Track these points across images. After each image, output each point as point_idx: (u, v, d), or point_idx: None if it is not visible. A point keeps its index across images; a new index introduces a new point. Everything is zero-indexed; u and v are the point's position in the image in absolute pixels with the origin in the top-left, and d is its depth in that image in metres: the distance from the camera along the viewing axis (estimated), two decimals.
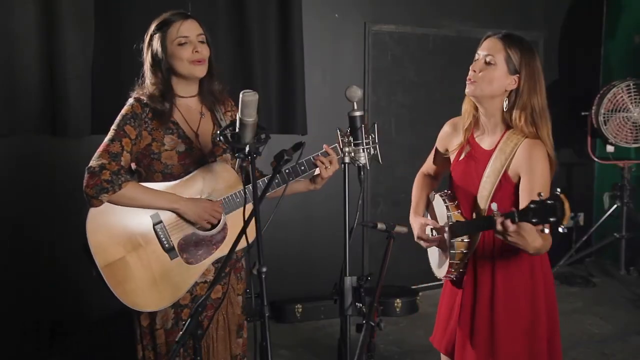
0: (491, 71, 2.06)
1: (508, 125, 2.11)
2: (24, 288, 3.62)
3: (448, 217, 2.17)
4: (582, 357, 3.77)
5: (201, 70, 2.23)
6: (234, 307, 2.37)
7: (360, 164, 1.93)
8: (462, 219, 2.18)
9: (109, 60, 3.70)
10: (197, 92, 2.31)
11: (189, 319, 1.71)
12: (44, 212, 3.62)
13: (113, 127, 2.17)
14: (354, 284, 1.85)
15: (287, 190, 2.18)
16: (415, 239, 2.31)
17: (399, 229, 2.10)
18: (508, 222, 1.79)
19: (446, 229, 2.17)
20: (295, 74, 4.25)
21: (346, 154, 1.94)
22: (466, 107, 2.22)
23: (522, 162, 2.04)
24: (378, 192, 4.76)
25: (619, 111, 5.03)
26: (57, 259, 3.62)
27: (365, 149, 1.93)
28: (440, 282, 2.44)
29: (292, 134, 4.24)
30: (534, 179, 2.01)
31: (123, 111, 2.19)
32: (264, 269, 1.73)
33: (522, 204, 1.96)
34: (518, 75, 2.06)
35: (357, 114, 1.93)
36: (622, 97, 5.01)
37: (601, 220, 5.32)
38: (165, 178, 2.21)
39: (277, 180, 2.19)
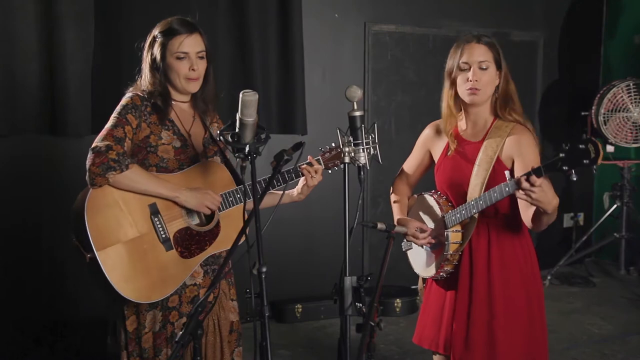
0: (487, 75, 2.18)
1: (494, 116, 2.24)
2: (24, 288, 3.62)
3: (440, 211, 2.24)
4: (582, 357, 3.77)
5: (194, 87, 2.27)
6: (225, 312, 2.36)
7: (360, 164, 1.93)
8: None
9: (109, 60, 3.70)
10: (189, 100, 2.34)
11: (189, 319, 1.71)
12: (44, 212, 3.62)
13: (114, 114, 2.18)
14: (354, 284, 1.85)
15: (271, 202, 2.29)
16: (407, 238, 2.33)
17: (399, 229, 2.11)
18: (534, 178, 1.86)
19: (433, 225, 2.22)
20: (295, 74, 4.25)
21: (346, 154, 1.95)
22: (448, 111, 2.31)
23: (514, 147, 2.15)
24: (378, 192, 4.76)
25: (619, 111, 5.03)
26: (56, 259, 3.62)
27: (365, 149, 1.93)
28: None
29: (292, 134, 4.24)
30: (528, 160, 2.11)
31: (123, 101, 2.21)
32: (264, 269, 1.73)
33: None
34: (500, 70, 2.21)
35: (357, 114, 1.93)
36: (622, 97, 5.01)
37: (601, 220, 5.32)
38: (160, 171, 2.23)
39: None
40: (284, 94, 4.29)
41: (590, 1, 5.60)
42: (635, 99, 4.99)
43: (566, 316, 4.40)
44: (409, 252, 2.45)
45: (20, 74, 3.51)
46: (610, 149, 5.26)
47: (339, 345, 1.85)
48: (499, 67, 2.20)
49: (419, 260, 2.39)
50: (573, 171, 1.80)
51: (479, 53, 2.18)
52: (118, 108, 2.20)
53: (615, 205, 5.24)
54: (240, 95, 1.86)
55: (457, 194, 2.24)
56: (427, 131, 2.44)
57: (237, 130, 1.91)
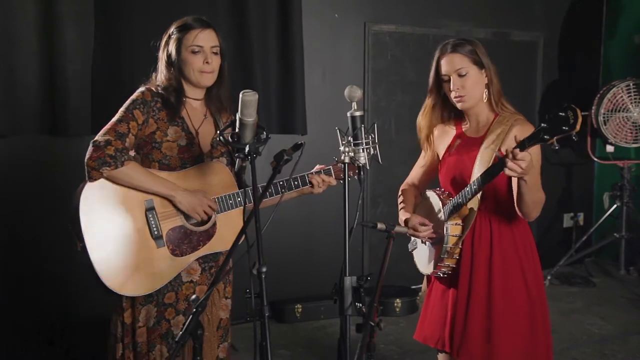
0: (469, 79, 2.22)
1: (495, 113, 2.27)
2: (24, 288, 3.62)
3: (442, 203, 2.26)
4: (582, 357, 3.77)
5: (208, 80, 2.31)
6: (216, 308, 2.37)
7: (360, 164, 1.94)
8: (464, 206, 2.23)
9: (109, 60, 3.70)
10: (204, 96, 2.37)
11: (189, 319, 1.71)
12: (43, 212, 3.62)
13: (122, 109, 2.22)
14: (353, 284, 1.85)
15: (272, 200, 2.29)
16: (409, 232, 2.34)
17: (399, 229, 2.11)
18: (517, 151, 1.90)
19: (439, 215, 2.24)
20: (295, 74, 4.25)
21: (346, 154, 1.95)
22: (424, 123, 2.41)
23: (516, 138, 2.14)
24: (378, 192, 4.76)
25: (619, 111, 5.02)
26: (56, 259, 3.61)
27: (365, 149, 1.94)
28: None
29: (292, 134, 4.24)
30: (530, 150, 2.11)
31: (133, 96, 2.25)
32: (264, 269, 1.73)
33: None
34: (484, 69, 2.24)
35: (357, 114, 1.93)
36: (622, 97, 5.01)
37: (601, 220, 5.31)
38: (162, 168, 2.25)
39: (270, 190, 2.25)
40: (284, 94, 4.29)
41: (590, 1, 5.60)
42: (635, 99, 4.99)
43: (566, 316, 4.40)
44: (414, 252, 2.46)
45: (20, 74, 3.50)
46: (610, 149, 5.26)
47: (339, 345, 1.85)
48: (481, 66, 2.24)
49: (423, 257, 2.40)
50: (555, 140, 1.83)
51: (453, 63, 2.23)
52: (127, 102, 2.23)
53: (615, 205, 5.24)
54: (240, 95, 1.86)
55: (460, 189, 2.25)
56: (434, 132, 2.46)
57: (237, 130, 1.91)
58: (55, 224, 3.57)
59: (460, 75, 2.21)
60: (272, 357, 1.71)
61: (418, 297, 4.52)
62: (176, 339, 1.70)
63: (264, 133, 1.93)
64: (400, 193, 2.55)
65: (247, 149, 1.88)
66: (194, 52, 2.25)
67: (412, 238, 2.45)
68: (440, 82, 2.28)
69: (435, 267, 2.27)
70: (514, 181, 2.10)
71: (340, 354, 1.84)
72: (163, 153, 2.25)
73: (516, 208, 2.15)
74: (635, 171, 5.37)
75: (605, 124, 5.06)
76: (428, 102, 2.36)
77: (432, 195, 2.35)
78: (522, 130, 2.17)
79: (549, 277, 5.06)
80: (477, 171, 2.20)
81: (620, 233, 5.22)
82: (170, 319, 2.27)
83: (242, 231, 1.84)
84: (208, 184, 2.26)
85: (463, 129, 2.34)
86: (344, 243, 1.87)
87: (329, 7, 4.49)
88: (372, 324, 1.77)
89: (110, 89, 3.62)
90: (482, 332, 2.19)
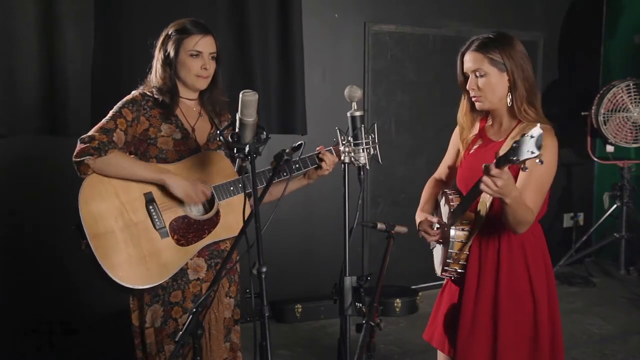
0: (487, 80, 2.13)
1: (517, 120, 2.17)
2: (24, 288, 3.62)
3: (450, 208, 2.19)
4: (582, 357, 3.77)
5: (204, 84, 2.34)
6: (223, 306, 2.37)
7: (360, 164, 1.94)
8: (470, 212, 2.18)
9: (109, 60, 3.70)
10: (196, 97, 2.39)
11: (189, 319, 1.71)
12: (44, 212, 3.61)
13: (112, 109, 2.27)
14: (353, 284, 1.85)
15: (274, 194, 2.29)
16: (417, 231, 2.30)
17: (399, 229, 2.10)
18: (492, 167, 1.81)
19: (447, 220, 2.19)
20: (295, 74, 4.25)
21: (346, 154, 1.95)
22: (464, 121, 2.27)
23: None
24: (378, 192, 4.77)
25: (619, 111, 5.03)
26: (57, 259, 3.61)
27: (365, 149, 1.94)
28: (440, 282, 2.44)
29: (292, 134, 4.24)
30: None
31: (124, 98, 2.29)
32: (264, 269, 1.73)
33: (518, 185, 2.01)
34: (507, 71, 2.12)
35: (357, 114, 1.93)
36: (622, 97, 5.01)
37: (601, 220, 5.32)
38: (159, 163, 2.26)
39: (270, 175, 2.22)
40: (284, 94, 4.29)
41: (590, 1, 5.60)
42: (635, 99, 4.99)
43: (566, 316, 4.40)
44: (434, 251, 2.41)
45: (20, 74, 3.50)
46: (610, 149, 5.26)
47: (339, 345, 1.85)
48: (503, 69, 2.12)
49: (437, 258, 2.37)
50: (525, 163, 1.73)
51: (473, 62, 2.14)
52: (118, 103, 2.28)
53: (615, 205, 5.24)
54: (240, 95, 1.86)
55: None
56: (457, 130, 2.38)
57: (237, 130, 1.91)
58: (55, 224, 3.57)
59: (477, 76, 2.13)
60: (272, 357, 1.71)
61: (418, 297, 4.52)
62: (176, 339, 1.70)
63: (264, 133, 1.93)
64: (426, 186, 2.48)
65: (247, 149, 1.88)
66: (192, 56, 2.28)
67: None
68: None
69: (443, 270, 2.23)
70: (519, 178, 2.03)
71: (340, 354, 1.85)
72: (159, 148, 2.26)
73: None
74: (635, 171, 5.37)
75: (605, 124, 5.06)
76: (464, 101, 2.26)
77: (443, 197, 2.29)
78: None
79: None
80: None
81: (620, 233, 5.22)
82: (178, 317, 2.27)
83: (242, 231, 1.83)
84: (207, 173, 2.27)
85: (486, 127, 2.27)
86: (344, 243, 1.87)
87: (329, 7, 4.49)
88: (372, 324, 1.77)
89: (110, 89, 3.62)
90: (488, 344, 2.15)
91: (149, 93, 2.29)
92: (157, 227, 2.20)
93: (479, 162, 2.15)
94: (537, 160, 1.69)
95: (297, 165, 2.28)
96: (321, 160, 2.30)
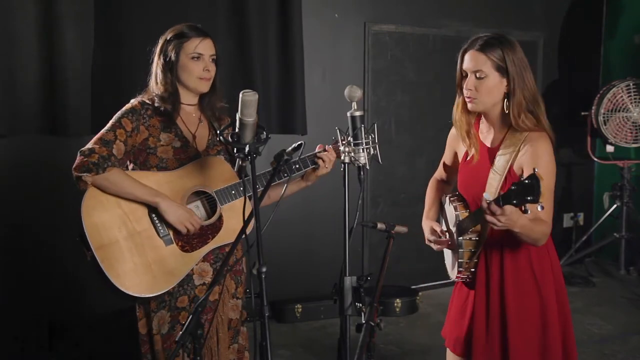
0: (485, 83, 2.09)
1: (507, 126, 2.14)
2: (24, 287, 3.62)
3: (456, 217, 2.17)
4: (582, 357, 3.74)
5: (206, 86, 2.33)
6: (227, 308, 2.37)
7: (360, 164, 1.94)
8: None
9: (109, 60, 3.70)
10: (196, 102, 2.39)
11: (189, 319, 1.71)
12: (43, 212, 3.62)
13: (112, 120, 2.24)
14: (353, 284, 1.85)
15: (274, 196, 2.28)
16: (426, 242, 2.31)
17: (399, 229, 2.10)
18: (493, 206, 1.80)
19: (453, 229, 2.18)
20: (295, 74, 4.25)
21: (346, 154, 1.95)
22: (458, 116, 2.22)
23: (526, 158, 2.05)
24: (378, 192, 4.77)
25: (619, 111, 5.03)
26: (57, 259, 3.61)
27: (365, 149, 1.93)
28: (440, 282, 2.44)
29: (292, 134, 4.24)
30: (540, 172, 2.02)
31: (123, 107, 2.27)
32: (264, 269, 1.73)
33: None
34: (507, 77, 2.08)
35: (357, 114, 1.93)
36: (621, 97, 5.01)
37: (601, 220, 5.32)
38: (160, 171, 2.25)
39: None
40: (284, 94, 4.29)
41: (590, 1, 5.60)
42: (635, 99, 4.99)
43: None
44: (444, 251, 2.39)
45: (20, 74, 3.50)
46: (610, 149, 5.26)
47: (339, 345, 1.85)
48: (504, 74, 2.08)
49: (448, 259, 2.36)
50: (522, 207, 1.73)
51: (475, 62, 2.08)
52: (117, 113, 2.26)
53: (615, 205, 5.24)
54: (240, 95, 1.86)
55: (474, 199, 2.18)
56: (452, 131, 2.37)
57: (237, 130, 1.91)
58: (55, 224, 3.58)
59: (477, 77, 2.08)
60: (272, 357, 1.71)
61: (418, 297, 4.52)
62: (176, 339, 1.70)
63: (264, 133, 1.93)
64: (428, 188, 2.48)
65: (247, 149, 1.88)
66: (194, 59, 2.28)
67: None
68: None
69: (457, 274, 2.22)
70: None
71: (340, 354, 1.84)
72: (159, 157, 2.25)
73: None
74: (635, 171, 5.37)
75: (605, 124, 5.06)
76: (460, 99, 2.19)
77: (448, 204, 2.27)
78: (533, 148, 2.04)
79: None
80: (490, 186, 2.11)
81: (620, 233, 5.22)
82: (185, 323, 2.26)
83: (242, 231, 1.84)
84: (208, 178, 2.27)
85: (480, 133, 2.23)
86: (344, 243, 1.87)
87: (329, 7, 4.49)
88: (372, 324, 1.77)
89: (110, 89, 3.62)
90: (500, 346, 2.14)
91: (148, 101, 2.28)
92: (161, 235, 2.19)
93: (479, 169, 2.17)
94: (538, 207, 1.70)
95: (297, 166, 2.28)
96: (319, 158, 2.30)
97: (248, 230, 1.88)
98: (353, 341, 1.80)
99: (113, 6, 3.71)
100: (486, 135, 2.22)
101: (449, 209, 2.27)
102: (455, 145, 2.35)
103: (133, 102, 2.29)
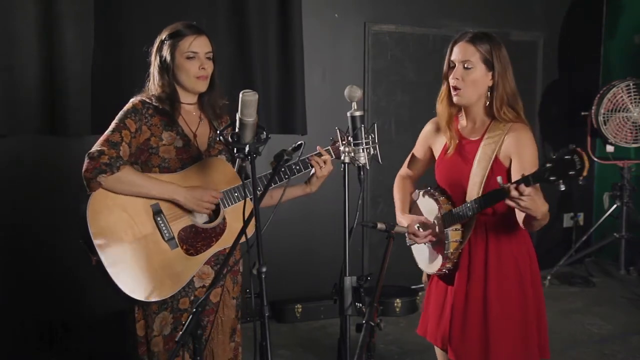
0: (472, 74, 2.18)
1: (492, 116, 2.23)
2: (24, 288, 3.62)
3: (439, 210, 2.24)
4: (582, 357, 3.77)
5: (203, 86, 2.31)
6: (228, 309, 2.37)
7: (360, 164, 1.93)
8: None
9: (109, 60, 3.70)
10: (196, 101, 2.38)
11: (189, 319, 1.71)
12: (44, 212, 3.62)
13: (114, 120, 2.23)
14: (353, 284, 1.85)
15: (284, 196, 2.22)
16: (409, 237, 2.34)
17: (399, 229, 2.10)
18: (523, 187, 1.86)
19: (435, 221, 2.25)
20: (295, 74, 4.25)
21: (346, 154, 1.94)
22: (441, 109, 2.32)
23: (512, 146, 2.15)
24: (378, 192, 4.76)
25: (619, 111, 5.03)
26: (57, 259, 3.61)
27: (365, 149, 1.93)
28: None
29: (292, 134, 4.24)
30: (525, 160, 2.12)
31: (125, 107, 2.26)
32: (264, 269, 1.73)
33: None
34: (493, 71, 2.18)
35: (357, 114, 1.93)
36: (622, 97, 5.01)
37: (601, 220, 5.32)
38: (162, 172, 2.24)
39: (274, 179, 2.22)
40: (284, 94, 4.29)
41: (590, 1, 5.60)
42: (635, 99, 4.99)
43: (566, 316, 4.40)
44: (412, 247, 2.45)
45: (20, 74, 3.50)
46: (610, 149, 5.26)
47: (339, 345, 1.85)
48: (490, 67, 2.18)
49: (423, 256, 2.40)
50: (561, 181, 1.78)
51: (464, 52, 2.18)
52: (119, 114, 2.24)
53: (615, 205, 5.24)
54: (240, 95, 1.86)
55: (456, 192, 2.25)
56: (428, 127, 2.46)
57: (237, 130, 1.91)
58: (55, 224, 3.58)
59: (464, 67, 2.17)
60: (272, 357, 1.71)
61: (418, 297, 4.52)
62: (176, 339, 1.70)
63: (264, 133, 1.93)
64: (395, 184, 2.52)
65: (247, 149, 1.88)
66: (189, 58, 2.26)
67: None
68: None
69: (437, 269, 2.28)
70: (515, 178, 2.08)
71: (340, 354, 1.84)
72: (161, 157, 2.24)
73: (518, 219, 2.13)
74: (635, 171, 5.37)
75: (605, 124, 5.06)
76: (444, 88, 2.31)
77: (428, 198, 2.33)
78: (517, 137, 2.14)
79: (548, 277, 5.07)
80: (473, 178, 2.18)
81: (620, 233, 5.22)
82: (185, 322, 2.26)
83: (242, 231, 1.84)
84: (211, 181, 2.26)
85: (460, 127, 2.32)
86: (344, 243, 1.87)
87: (329, 7, 4.49)
88: (372, 324, 1.77)
89: (110, 88, 3.62)
90: (479, 337, 2.20)
91: (148, 100, 2.27)
92: (166, 239, 2.18)
93: (461, 162, 2.24)
94: (581, 181, 1.75)
95: (298, 167, 2.28)
96: (311, 162, 2.29)
97: (250, 233, 1.87)
98: (353, 341, 1.80)
99: (113, 6, 3.71)
100: (466, 129, 2.30)
101: (428, 203, 2.32)
102: (432, 140, 2.42)
103: (134, 100, 2.27)
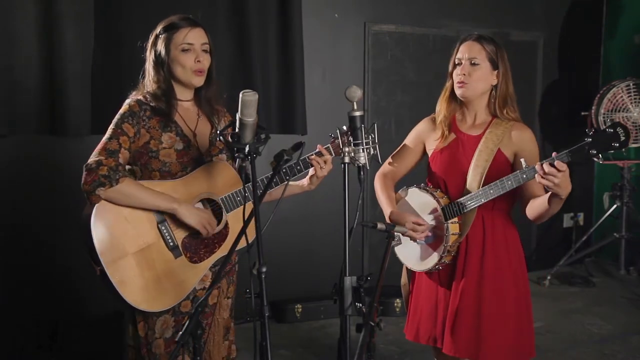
0: (478, 71, 2.26)
1: (493, 115, 2.31)
2: (24, 288, 3.62)
3: (437, 202, 2.28)
4: (582, 357, 3.77)
5: (199, 80, 2.24)
6: (222, 309, 2.37)
7: (360, 164, 1.93)
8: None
9: (109, 60, 3.70)
10: (193, 97, 2.31)
11: (189, 319, 1.71)
12: (44, 212, 3.62)
13: (111, 126, 2.17)
14: (353, 284, 1.85)
15: (276, 195, 2.24)
16: (408, 233, 2.30)
17: (399, 228, 2.11)
18: (560, 163, 1.94)
19: (430, 217, 2.30)
20: (295, 74, 4.25)
21: (346, 154, 1.94)
22: (442, 105, 2.38)
23: (517, 141, 2.24)
24: None
25: (619, 111, 5.02)
26: (57, 259, 3.62)
27: (365, 149, 1.93)
28: None
29: (292, 134, 4.24)
30: (532, 156, 2.20)
31: (121, 110, 2.19)
32: (264, 269, 1.73)
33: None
34: (498, 70, 2.27)
35: (357, 114, 1.93)
36: (622, 97, 5.01)
37: (601, 220, 5.32)
38: (163, 176, 2.20)
39: (275, 180, 2.19)
40: (284, 94, 4.29)
41: (590, 1, 5.60)
42: (635, 99, 4.99)
43: (566, 316, 4.40)
44: (396, 248, 2.45)
45: (20, 74, 3.50)
46: None
47: (339, 345, 1.85)
48: (495, 67, 2.27)
49: (412, 254, 2.40)
50: (600, 155, 1.90)
51: (472, 50, 2.27)
52: (115, 118, 2.18)
53: (615, 205, 5.24)
54: (240, 95, 1.85)
55: (454, 185, 2.27)
56: (423, 125, 2.47)
57: (237, 130, 1.90)
58: (55, 224, 3.59)
59: (471, 64, 2.26)
60: (272, 357, 1.71)
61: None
62: (176, 339, 1.70)
63: (264, 133, 1.92)
64: (378, 182, 2.50)
65: (247, 149, 1.88)
66: (184, 51, 2.18)
67: (396, 233, 2.41)
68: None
69: (435, 264, 2.28)
70: (539, 190, 2.15)
71: (340, 354, 1.84)
72: (162, 161, 2.19)
73: (528, 211, 2.19)
74: (635, 171, 5.37)
75: (605, 124, 5.05)
76: (448, 85, 2.38)
77: (422, 192, 2.33)
78: (522, 135, 2.24)
79: (548, 277, 5.07)
80: (474, 170, 2.21)
81: (620, 233, 5.22)
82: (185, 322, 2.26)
83: (242, 231, 1.83)
84: (213, 186, 2.23)
85: (457, 122, 2.36)
86: (344, 243, 1.87)
87: (329, 7, 4.50)
88: (372, 324, 1.77)
89: (110, 89, 3.62)
90: (472, 328, 2.23)
91: (144, 100, 2.20)
92: (170, 247, 2.16)
93: (460, 157, 2.28)
94: (624, 150, 1.88)
95: (298, 167, 2.26)
96: (311, 162, 2.25)
97: (250, 238, 1.86)
98: (353, 341, 1.80)
99: (113, 6, 3.71)
100: (465, 125, 2.34)
101: (420, 198, 2.34)
102: (425, 136, 2.44)
103: (129, 102, 2.20)
